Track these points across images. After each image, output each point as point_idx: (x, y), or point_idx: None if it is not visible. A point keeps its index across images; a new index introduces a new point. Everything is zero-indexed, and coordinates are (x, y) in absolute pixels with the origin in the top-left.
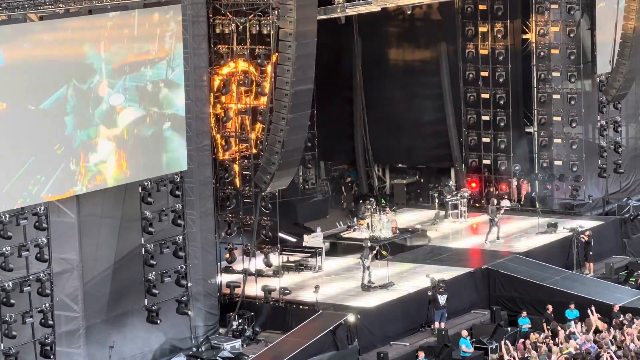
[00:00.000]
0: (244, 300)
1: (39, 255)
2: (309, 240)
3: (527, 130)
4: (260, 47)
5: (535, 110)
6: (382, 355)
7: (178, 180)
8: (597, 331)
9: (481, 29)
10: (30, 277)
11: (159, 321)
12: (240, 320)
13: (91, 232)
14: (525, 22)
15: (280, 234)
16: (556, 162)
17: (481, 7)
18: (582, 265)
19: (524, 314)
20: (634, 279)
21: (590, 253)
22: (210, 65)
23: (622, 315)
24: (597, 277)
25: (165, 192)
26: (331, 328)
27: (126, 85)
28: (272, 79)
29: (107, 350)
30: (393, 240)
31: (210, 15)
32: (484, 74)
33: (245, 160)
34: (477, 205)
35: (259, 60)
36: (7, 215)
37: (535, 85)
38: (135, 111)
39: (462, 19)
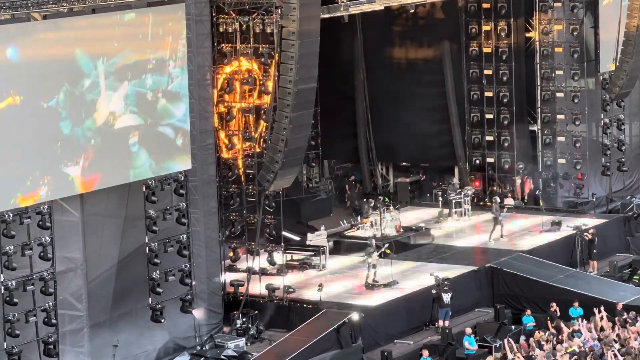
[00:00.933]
0: (248, 298)
1: (42, 254)
2: (312, 238)
3: (530, 128)
4: (264, 45)
5: (539, 109)
6: (386, 353)
7: (182, 179)
8: (600, 329)
9: (484, 28)
10: (34, 276)
11: (163, 320)
12: (244, 319)
13: (95, 231)
14: (529, 21)
15: (284, 233)
16: (560, 161)
17: (484, 5)
18: (586, 264)
19: (528, 312)
20: (637, 277)
21: (594, 251)
22: (214, 64)
23: (625, 313)
24: (600, 275)
25: (169, 191)
26: (335, 326)
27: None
28: (276, 78)
29: (111, 349)
30: (397, 239)
31: (214, 14)
32: (487, 72)
33: (249, 159)
34: (480, 203)
35: (262, 59)
36: (11, 214)
37: (538, 84)
38: (135, 118)
39: (466, 18)
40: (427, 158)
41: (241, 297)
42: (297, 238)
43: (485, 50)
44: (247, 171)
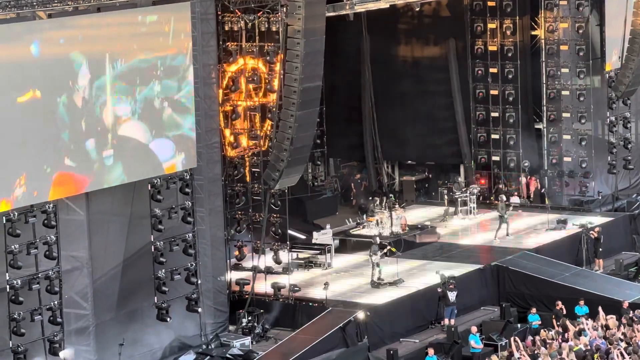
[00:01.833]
0: (254, 297)
1: (48, 253)
2: (318, 237)
3: (536, 126)
4: (269, 44)
5: (545, 107)
6: (391, 352)
7: (187, 177)
8: (607, 327)
9: (490, 26)
10: (39, 275)
11: (168, 319)
12: (249, 318)
13: (100, 230)
14: (534, 19)
15: (289, 231)
16: (565, 159)
17: (490, 3)
18: (592, 262)
19: (534, 310)
20: None
21: (600, 249)
22: (219, 63)
23: (631, 312)
24: (606, 274)
25: (175, 190)
26: (341, 325)
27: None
28: (281, 76)
29: (117, 347)
30: (402, 237)
31: (219, 13)
32: (493, 70)
33: (255, 158)
34: (486, 201)
35: (267, 57)
36: (16, 213)
37: (544, 82)
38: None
39: (471, 16)
40: (432, 156)
41: (247, 296)
42: (302, 237)
43: (490, 48)
44: (253, 170)
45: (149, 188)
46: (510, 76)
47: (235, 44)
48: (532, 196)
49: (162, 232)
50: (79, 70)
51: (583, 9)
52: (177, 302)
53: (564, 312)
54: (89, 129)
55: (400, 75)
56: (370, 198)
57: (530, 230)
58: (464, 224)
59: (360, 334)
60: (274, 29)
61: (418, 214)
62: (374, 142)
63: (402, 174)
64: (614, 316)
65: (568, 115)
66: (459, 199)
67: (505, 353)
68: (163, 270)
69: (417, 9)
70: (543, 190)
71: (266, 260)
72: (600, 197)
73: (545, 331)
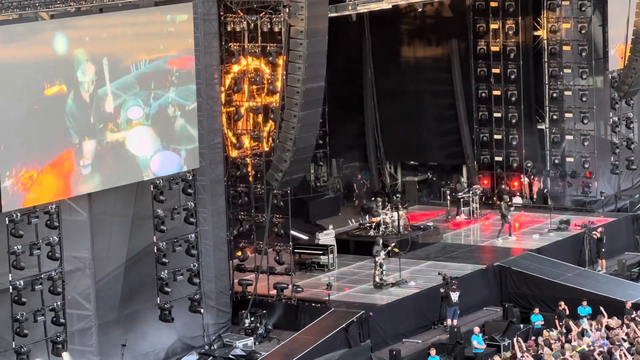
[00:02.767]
0: (256, 298)
1: (50, 253)
2: (321, 237)
3: (538, 127)
4: (272, 44)
5: (547, 107)
6: (394, 352)
7: (190, 178)
8: (609, 328)
9: (492, 26)
10: (42, 276)
11: (171, 319)
12: (252, 318)
13: (103, 231)
14: (537, 19)
15: (292, 232)
16: (568, 159)
17: (492, 4)
18: (595, 262)
19: (536, 310)
20: None
21: (603, 250)
22: (222, 63)
23: (634, 312)
24: (609, 274)
25: (177, 190)
26: (343, 325)
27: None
28: (284, 77)
29: (120, 348)
30: (405, 238)
31: (222, 13)
32: (495, 70)
33: (257, 158)
34: (489, 202)
35: (270, 58)
36: (19, 214)
37: (546, 82)
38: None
39: (474, 16)
40: (435, 157)
41: (249, 297)
42: (305, 237)
43: (493, 48)
44: (255, 170)
45: (152, 189)
46: (512, 76)
47: (237, 44)
48: (534, 196)
49: (165, 233)
50: (83, 69)
51: (585, 9)
52: (180, 303)
53: (567, 312)
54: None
55: (403, 76)
56: (373, 199)
57: (533, 231)
58: (467, 224)
59: (363, 334)
60: (276, 29)
61: (420, 215)
62: (376, 143)
63: (405, 175)
64: (612, 318)
65: (570, 115)
66: (462, 199)
67: (509, 354)
68: (165, 271)
69: (420, 10)
70: (545, 190)
71: (269, 260)
72: (602, 198)
73: (548, 331)
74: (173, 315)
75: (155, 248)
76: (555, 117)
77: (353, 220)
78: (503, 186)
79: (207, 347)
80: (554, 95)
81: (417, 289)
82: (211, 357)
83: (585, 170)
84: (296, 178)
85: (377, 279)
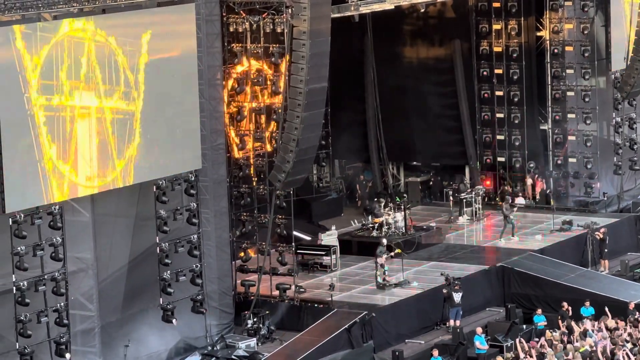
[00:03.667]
0: (259, 298)
1: (53, 254)
2: (323, 238)
3: (541, 127)
4: (274, 45)
5: (550, 108)
6: (397, 353)
7: (192, 179)
8: (612, 329)
9: (495, 27)
10: (45, 277)
11: (174, 320)
12: (255, 319)
13: (106, 231)
14: (539, 20)
15: (294, 233)
16: (570, 160)
17: (495, 4)
18: (597, 263)
19: (539, 311)
20: None
21: (605, 250)
22: (224, 64)
23: (637, 313)
24: (612, 275)
25: (180, 191)
26: (346, 326)
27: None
28: (286, 77)
29: (123, 349)
30: (408, 238)
31: (224, 14)
32: (498, 71)
33: (260, 159)
34: (492, 202)
35: (272, 59)
36: (22, 215)
37: (549, 83)
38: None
39: (476, 17)
40: (437, 157)
41: (252, 297)
42: (308, 238)
43: (495, 49)
44: (258, 171)
45: (154, 189)
46: (515, 77)
47: (240, 45)
48: (537, 197)
49: (167, 234)
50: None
51: (588, 9)
52: (183, 304)
53: (570, 313)
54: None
55: (405, 77)
56: (375, 199)
57: (536, 232)
58: (469, 225)
59: (366, 335)
60: (279, 30)
61: (423, 215)
62: (379, 144)
63: (407, 175)
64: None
65: (573, 116)
66: (464, 200)
67: (512, 355)
68: (168, 271)
69: (422, 10)
70: (548, 191)
71: (271, 261)
72: (605, 198)
73: (550, 332)
74: (176, 315)
75: (157, 249)
76: (557, 117)
77: (356, 221)
78: (506, 187)
79: (209, 348)
80: (557, 95)
81: (419, 289)
82: (214, 358)
83: (588, 171)
84: (299, 179)
85: (379, 280)
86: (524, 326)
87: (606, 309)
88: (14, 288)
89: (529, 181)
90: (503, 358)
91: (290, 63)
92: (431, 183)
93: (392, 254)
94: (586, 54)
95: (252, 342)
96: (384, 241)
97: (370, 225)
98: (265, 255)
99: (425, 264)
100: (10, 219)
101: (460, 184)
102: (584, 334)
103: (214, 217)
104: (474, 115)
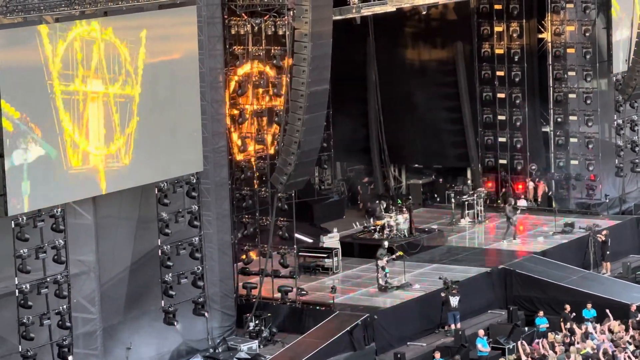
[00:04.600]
0: (261, 301)
1: (56, 257)
2: (325, 240)
3: (543, 129)
4: (276, 48)
5: (551, 110)
6: (399, 355)
7: (194, 181)
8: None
9: (497, 29)
10: (48, 279)
11: (176, 322)
12: (257, 321)
13: (108, 234)
14: (541, 22)
15: (296, 235)
16: (572, 162)
17: (497, 6)
18: (599, 265)
19: (541, 313)
20: None
21: (607, 252)
22: (226, 67)
23: (639, 315)
24: (614, 277)
25: (182, 194)
26: (348, 329)
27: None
28: (288, 80)
29: (124, 351)
30: (409, 241)
31: (226, 17)
32: (499, 73)
33: (262, 161)
34: (493, 205)
35: (274, 61)
36: (25, 217)
37: (551, 85)
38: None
39: (478, 19)
40: (439, 160)
41: (254, 300)
42: (309, 240)
43: (497, 51)
44: (260, 173)
45: (156, 192)
46: (517, 79)
47: (242, 47)
48: (539, 199)
49: (169, 236)
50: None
51: (590, 11)
52: (184, 306)
53: (572, 315)
54: None
55: (407, 79)
56: (377, 201)
57: (538, 234)
58: (471, 227)
59: (368, 337)
60: (280, 32)
61: (425, 218)
62: (381, 146)
63: (409, 178)
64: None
65: (575, 118)
66: (466, 202)
67: (514, 357)
68: (170, 274)
69: (424, 12)
70: (550, 193)
71: (273, 264)
72: (607, 200)
73: (552, 334)
74: (177, 318)
75: (159, 251)
76: (559, 119)
77: (357, 223)
78: (507, 190)
79: (211, 351)
80: (559, 97)
81: (421, 292)
82: None
83: (590, 173)
84: (301, 181)
85: (381, 282)
86: (526, 328)
87: (607, 311)
88: (17, 291)
89: (531, 183)
90: None
91: (291, 65)
92: (433, 184)
93: (394, 256)
94: (588, 56)
95: (254, 344)
96: (385, 243)
97: (372, 227)
98: (267, 257)
99: (427, 266)
100: (12, 222)
101: (462, 186)
102: (586, 336)
103: (215, 220)
104: (475, 117)
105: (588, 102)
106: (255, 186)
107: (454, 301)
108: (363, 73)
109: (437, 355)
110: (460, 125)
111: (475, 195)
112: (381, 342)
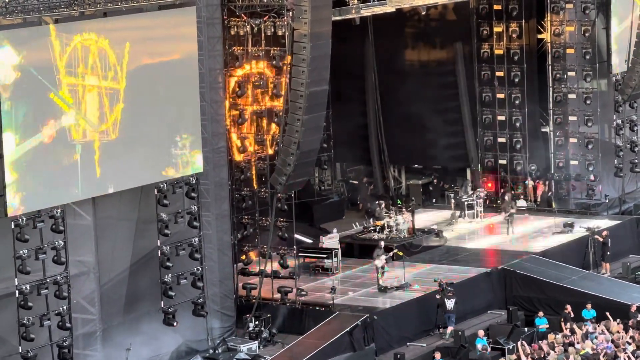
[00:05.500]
0: (260, 301)
1: (55, 258)
2: (325, 241)
3: (542, 130)
4: (275, 48)
5: (551, 110)
6: (399, 356)
7: (194, 182)
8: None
9: (496, 29)
10: (48, 280)
11: (175, 323)
12: (256, 322)
13: (107, 235)
14: (540, 22)
15: (296, 236)
16: (572, 162)
17: (496, 7)
18: (599, 265)
19: (541, 313)
20: None
21: (607, 253)
22: (226, 67)
23: (639, 315)
24: (614, 277)
25: (181, 194)
26: (348, 329)
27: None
28: (287, 80)
29: (124, 352)
30: (409, 241)
31: (225, 17)
32: (499, 74)
33: (261, 162)
34: (493, 205)
35: (274, 62)
36: (24, 218)
37: (550, 85)
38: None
39: (477, 19)
40: (439, 160)
41: (253, 300)
42: (309, 241)
43: (497, 51)
44: (260, 174)
45: (155, 192)
46: (516, 79)
47: (241, 48)
48: (539, 200)
49: (169, 237)
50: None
51: (589, 12)
52: (184, 307)
53: (572, 315)
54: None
55: (407, 79)
56: (377, 202)
57: (537, 234)
58: (471, 228)
59: (367, 338)
60: (280, 33)
61: (424, 218)
62: (380, 146)
63: (409, 178)
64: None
65: (575, 118)
66: (466, 203)
67: (513, 357)
68: (169, 274)
69: (423, 13)
70: (550, 193)
71: (273, 264)
72: (607, 201)
73: (552, 335)
74: (177, 319)
75: (159, 252)
76: (559, 120)
77: (357, 224)
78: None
79: (211, 351)
80: (558, 98)
81: (421, 292)
82: None
83: (590, 173)
84: (300, 182)
85: (380, 282)
86: (526, 329)
87: (607, 314)
88: (17, 292)
89: (530, 183)
90: None
91: (291, 66)
92: (433, 185)
93: (391, 254)
94: (587, 57)
95: (254, 345)
96: (382, 243)
97: (372, 227)
98: (267, 258)
99: (427, 266)
100: (12, 222)
101: (462, 187)
102: (586, 337)
103: (215, 220)
104: (475, 118)
105: (588, 102)
106: (255, 187)
107: (450, 304)
108: (362, 74)
109: (437, 355)
110: (460, 125)
111: (475, 195)
112: (381, 342)
